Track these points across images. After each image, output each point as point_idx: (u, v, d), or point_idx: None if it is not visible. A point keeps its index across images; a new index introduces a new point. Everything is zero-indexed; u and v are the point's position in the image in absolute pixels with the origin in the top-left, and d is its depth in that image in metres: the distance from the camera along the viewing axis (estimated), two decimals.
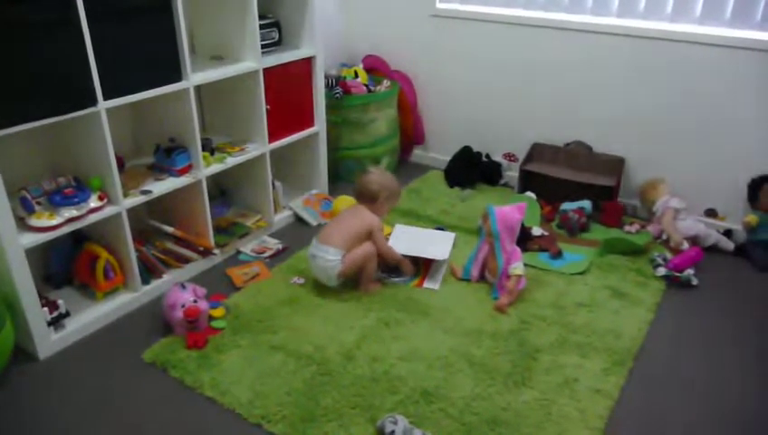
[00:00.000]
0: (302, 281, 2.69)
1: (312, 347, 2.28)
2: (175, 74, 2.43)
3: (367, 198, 2.66)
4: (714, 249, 2.97)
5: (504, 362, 2.20)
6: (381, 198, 2.65)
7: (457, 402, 2.02)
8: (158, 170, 2.60)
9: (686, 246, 2.89)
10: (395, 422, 1.85)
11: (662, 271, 2.73)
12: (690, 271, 2.70)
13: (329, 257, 2.50)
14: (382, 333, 2.35)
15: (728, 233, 3.03)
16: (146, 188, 2.49)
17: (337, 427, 1.92)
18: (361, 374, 2.14)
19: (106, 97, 2.18)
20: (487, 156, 3.70)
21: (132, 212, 2.44)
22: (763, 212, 2.91)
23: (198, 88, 2.63)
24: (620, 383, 2.12)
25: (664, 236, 3.00)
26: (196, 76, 2.52)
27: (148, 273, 2.60)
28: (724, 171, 3.04)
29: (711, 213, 3.14)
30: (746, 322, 2.48)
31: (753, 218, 2.91)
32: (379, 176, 2.69)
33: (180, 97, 2.49)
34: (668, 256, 2.83)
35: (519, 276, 2.54)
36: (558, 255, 2.87)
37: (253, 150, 2.90)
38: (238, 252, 2.95)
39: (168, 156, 2.57)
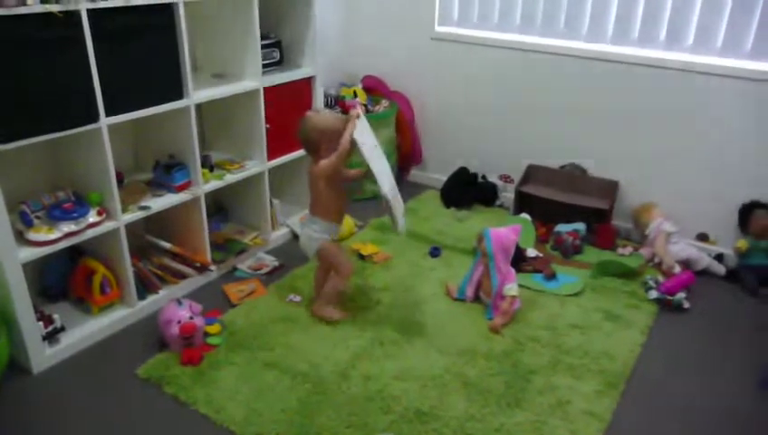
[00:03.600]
0: (297, 299, 2.70)
1: (306, 365, 2.28)
2: (176, 92, 2.47)
3: (310, 149, 2.42)
4: (705, 273, 3.00)
5: (497, 383, 2.22)
6: (324, 146, 2.36)
7: (451, 423, 2.02)
8: (157, 186, 2.62)
9: (678, 269, 2.93)
10: None
11: (654, 294, 2.76)
12: (682, 294, 2.73)
13: (315, 228, 2.47)
14: (377, 352, 2.36)
15: (719, 257, 3.07)
16: (144, 203, 2.51)
17: None
18: (356, 393, 2.15)
19: (108, 114, 2.22)
20: (483, 177, 3.74)
21: (130, 227, 2.45)
22: (754, 237, 2.95)
23: (199, 105, 2.66)
24: (613, 406, 2.14)
25: (656, 260, 3.03)
26: (197, 94, 2.56)
27: (145, 288, 2.61)
28: (716, 196, 3.08)
29: (702, 237, 3.18)
30: (737, 345, 2.51)
31: (743, 243, 2.96)
32: (315, 119, 2.39)
33: (181, 114, 2.53)
34: (660, 279, 2.86)
35: (513, 297, 2.56)
36: (552, 276, 2.90)
37: (252, 168, 2.92)
38: (235, 268, 2.96)
39: (168, 172, 2.59)
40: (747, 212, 2.99)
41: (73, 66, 2.06)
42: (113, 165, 2.30)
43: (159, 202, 2.56)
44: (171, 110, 2.46)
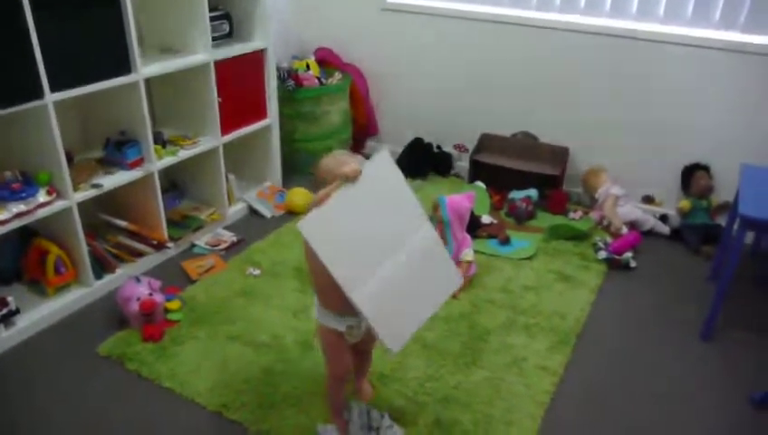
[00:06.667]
0: (257, 272, 2.71)
1: (269, 336, 2.31)
2: (124, 67, 2.41)
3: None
4: (651, 233, 3.14)
5: (455, 344, 2.29)
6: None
7: (411, 383, 2.10)
8: (109, 164, 2.58)
9: (625, 230, 3.05)
10: (352, 404, 1.92)
11: (603, 254, 2.88)
12: (629, 254, 2.86)
13: (315, 307, 1.80)
14: None
15: (664, 218, 3.21)
16: (96, 181, 2.47)
17: (296, 412, 1.97)
18: (319, 361, 2.17)
19: (53, 90, 2.16)
20: (438, 147, 3.79)
21: (83, 206, 2.41)
22: (695, 198, 3.10)
23: (148, 80, 2.61)
24: (565, 361, 2.24)
25: (605, 222, 3.15)
26: (146, 69, 2.50)
27: (101, 267, 2.58)
28: (661, 160, 3.21)
29: (648, 199, 3.32)
30: (681, 300, 2.65)
31: (685, 204, 3.10)
32: (323, 160, 1.69)
33: (130, 90, 2.48)
34: (609, 240, 2.98)
35: (469, 262, 2.64)
36: (506, 241, 2.98)
37: (205, 143, 2.89)
38: (192, 245, 2.94)
39: (119, 149, 2.55)
40: (689, 174, 3.13)
41: (13, 41, 2.00)
42: (62, 143, 2.25)
43: (112, 180, 2.52)
44: (120, 85, 2.41)
